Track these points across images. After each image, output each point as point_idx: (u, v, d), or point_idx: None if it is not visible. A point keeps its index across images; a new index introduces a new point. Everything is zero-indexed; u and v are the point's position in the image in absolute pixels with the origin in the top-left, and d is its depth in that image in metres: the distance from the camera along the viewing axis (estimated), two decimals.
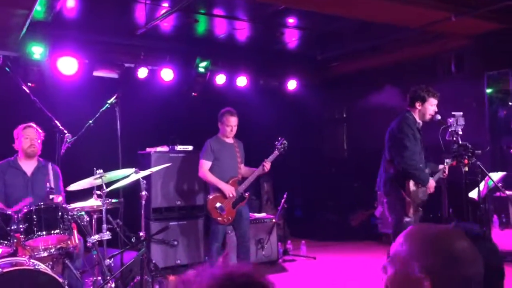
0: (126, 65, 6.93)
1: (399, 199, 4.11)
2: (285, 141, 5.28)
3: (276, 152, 5.25)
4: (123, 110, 4.66)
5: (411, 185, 4.11)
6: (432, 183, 4.20)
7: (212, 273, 0.90)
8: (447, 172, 4.36)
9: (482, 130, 6.29)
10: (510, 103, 6.30)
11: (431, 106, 4.26)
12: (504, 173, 5.05)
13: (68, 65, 6.30)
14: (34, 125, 4.29)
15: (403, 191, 4.08)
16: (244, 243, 5.27)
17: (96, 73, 6.72)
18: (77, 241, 3.61)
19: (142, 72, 6.93)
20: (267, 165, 5.21)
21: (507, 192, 5.35)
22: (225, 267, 0.92)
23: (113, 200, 3.94)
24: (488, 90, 6.41)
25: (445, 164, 4.36)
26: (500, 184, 4.86)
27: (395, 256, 1.28)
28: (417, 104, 4.27)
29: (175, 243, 5.71)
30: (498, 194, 5.58)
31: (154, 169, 4.40)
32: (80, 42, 6.40)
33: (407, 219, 4.07)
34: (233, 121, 5.20)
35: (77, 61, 6.37)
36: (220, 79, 7.57)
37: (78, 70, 6.39)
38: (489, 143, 5.86)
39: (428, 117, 4.28)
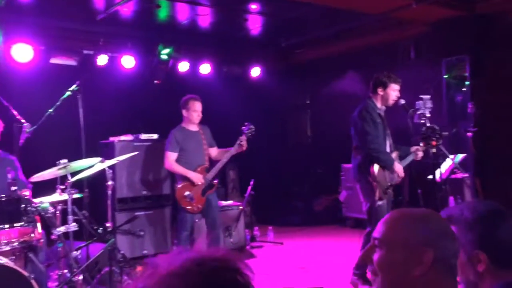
0: (85, 52, 6.68)
1: (368, 184, 4.19)
2: (252, 126, 5.26)
3: (243, 137, 5.23)
4: (84, 98, 4.52)
5: (376, 169, 4.20)
6: (399, 166, 4.28)
7: (183, 257, 0.86)
8: (421, 154, 4.39)
9: (440, 114, 6.50)
10: (465, 89, 6.53)
11: (393, 91, 4.36)
12: (464, 155, 5.25)
13: (23, 52, 6.00)
14: None
15: (369, 175, 4.17)
16: (215, 230, 5.25)
17: (53, 60, 6.44)
18: (41, 233, 3.48)
19: (102, 59, 6.71)
20: (244, 142, 5.14)
21: (463, 174, 5.58)
22: (197, 252, 0.88)
23: (77, 195, 3.82)
24: (446, 76, 6.61)
25: (420, 146, 4.39)
26: (458, 166, 5.05)
27: (386, 238, 1.29)
28: (379, 90, 4.36)
29: (142, 233, 5.59)
30: (454, 176, 5.79)
31: (120, 158, 4.30)
32: (35, 28, 6.12)
33: (379, 203, 4.15)
34: (198, 106, 5.15)
35: (33, 47, 6.08)
36: (183, 66, 7.45)
37: (34, 57, 6.10)
38: (448, 126, 6.06)
39: (390, 102, 4.37)
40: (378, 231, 1.32)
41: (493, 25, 6.21)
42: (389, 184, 4.26)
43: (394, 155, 4.38)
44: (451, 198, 6.26)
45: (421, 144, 4.15)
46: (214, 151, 5.36)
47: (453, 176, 5.73)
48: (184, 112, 5.17)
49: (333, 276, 4.87)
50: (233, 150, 5.18)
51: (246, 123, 5.31)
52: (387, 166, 4.23)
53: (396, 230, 1.30)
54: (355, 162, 4.37)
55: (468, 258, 1.45)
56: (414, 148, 4.40)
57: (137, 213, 5.33)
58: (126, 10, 6.34)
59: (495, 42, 6.28)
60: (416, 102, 3.93)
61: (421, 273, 1.23)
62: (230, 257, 0.88)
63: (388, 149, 4.38)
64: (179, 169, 5.11)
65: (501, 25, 6.15)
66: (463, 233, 1.45)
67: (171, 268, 0.84)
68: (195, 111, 5.12)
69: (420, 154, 4.39)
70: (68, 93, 4.33)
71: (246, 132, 5.24)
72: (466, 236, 1.45)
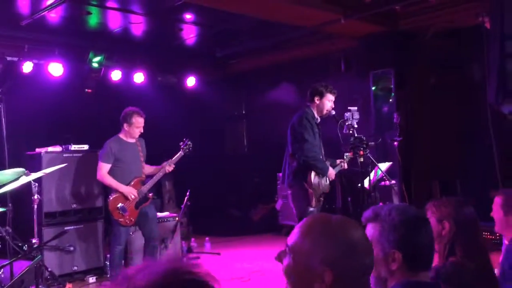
0: (9, 58, 6.32)
1: (302, 190, 4.30)
2: (190, 142, 5.23)
3: (181, 153, 5.19)
4: (8, 107, 4.27)
5: (313, 176, 4.32)
6: (332, 171, 4.47)
7: (156, 270, 0.85)
8: (346, 165, 4.65)
9: (368, 124, 6.82)
10: (391, 100, 6.91)
11: (328, 101, 4.53)
12: (390, 163, 5.54)
13: None
14: None
15: (305, 182, 4.28)
16: (152, 242, 5.12)
17: None
18: None
19: (27, 67, 6.39)
20: (169, 167, 5.11)
21: (391, 182, 5.88)
22: (168, 263, 0.88)
23: (0, 210, 3.59)
24: (373, 88, 6.97)
25: (344, 157, 4.65)
26: (385, 174, 5.32)
27: (295, 247, 1.29)
28: (316, 99, 4.52)
29: (71, 248, 5.36)
30: (383, 183, 6.09)
31: (47, 171, 4.08)
32: None
33: (310, 209, 4.28)
34: (142, 122, 5.03)
35: None
36: (116, 75, 7.25)
37: None
38: (376, 136, 6.37)
39: (325, 112, 4.54)
40: (290, 237, 1.32)
41: (414, 40, 6.65)
42: (322, 192, 4.41)
43: (327, 163, 4.55)
44: (380, 204, 6.57)
45: (348, 154, 4.37)
46: (145, 167, 5.25)
47: (382, 183, 6.03)
48: (125, 125, 5.01)
49: (271, 285, 4.93)
50: (160, 173, 5.12)
51: (184, 139, 5.27)
52: (322, 173, 4.37)
53: (304, 241, 1.28)
54: (290, 168, 4.47)
55: (383, 256, 1.53)
56: (339, 160, 4.64)
57: (67, 228, 5.07)
58: (54, 16, 6.09)
59: (417, 56, 6.72)
60: (345, 114, 4.11)
61: None
62: (201, 269, 0.89)
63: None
64: (111, 182, 4.95)
65: (421, 40, 6.60)
66: (385, 232, 1.54)
67: (150, 280, 0.82)
68: (138, 127, 5.00)
69: (345, 165, 4.65)
70: None
71: (184, 147, 5.21)
72: (388, 235, 1.53)
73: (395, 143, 6.03)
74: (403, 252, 1.51)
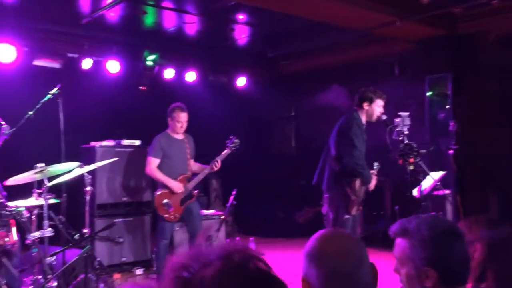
0: (69, 55, 6.62)
1: (343, 196, 4.19)
2: (236, 140, 5.26)
3: (227, 151, 5.22)
4: (67, 102, 4.45)
5: (358, 183, 4.20)
6: (373, 180, 4.34)
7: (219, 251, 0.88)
8: (374, 182, 4.48)
9: (422, 131, 6.59)
10: (448, 106, 6.63)
11: (378, 107, 4.39)
12: (444, 172, 5.31)
13: (6, 52, 5.93)
14: None
15: (348, 188, 4.17)
16: (196, 239, 5.20)
17: (36, 62, 6.36)
18: (15, 238, 3.39)
19: (87, 63, 6.65)
20: (217, 164, 5.16)
21: (445, 191, 5.63)
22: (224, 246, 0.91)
23: (54, 200, 3.75)
24: (429, 93, 6.71)
25: (374, 167, 4.50)
26: (439, 183, 5.10)
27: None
28: (365, 105, 4.39)
29: (121, 240, 5.52)
30: (436, 193, 5.86)
31: (99, 164, 4.24)
32: (19, 29, 6.04)
33: (347, 216, 4.17)
34: (183, 117, 5.10)
35: (16, 48, 6.01)
36: (169, 73, 7.42)
37: (17, 58, 6.03)
38: (429, 143, 6.14)
39: (374, 117, 4.41)
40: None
41: (474, 44, 6.34)
42: (362, 199, 4.30)
43: None
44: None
45: (399, 161, 4.20)
46: (192, 164, 5.33)
47: (435, 192, 5.80)
48: (169, 120, 5.13)
49: None
50: (206, 170, 5.17)
51: (231, 137, 5.29)
52: (367, 181, 4.25)
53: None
54: (331, 172, 4.35)
55: (416, 273, 1.47)
56: (371, 171, 4.47)
57: (116, 220, 5.25)
58: (113, 15, 6.32)
59: (476, 60, 6.41)
60: (395, 119, 3.98)
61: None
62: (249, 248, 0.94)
63: None
64: (160, 176, 5.06)
65: (481, 44, 6.29)
66: (416, 249, 1.47)
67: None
68: (179, 121, 5.08)
69: (374, 181, 4.44)
70: (48, 96, 4.26)
71: (230, 145, 5.23)
72: (419, 252, 1.46)
73: (451, 151, 5.78)
74: (437, 269, 1.44)
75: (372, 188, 4.43)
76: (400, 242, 1.52)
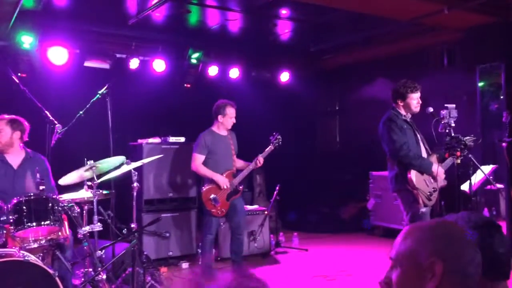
0: (118, 55, 6.85)
1: (408, 193, 4.08)
2: (279, 136, 5.28)
3: (271, 147, 5.25)
4: (115, 101, 4.62)
5: (413, 175, 4.06)
6: (438, 169, 4.11)
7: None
8: (459, 161, 4.21)
9: (473, 123, 6.32)
10: (501, 97, 6.32)
11: (413, 100, 4.25)
12: (495, 165, 5.08)
13: (58, 55, 6.23)
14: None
15: (407, 184, 4.05)
16: (238, 235, 5.25)
17: (87, 64, 6.64)
18: (67, 232, 3.57)
19: (134, 63, 6.87)
20: (260, 160, 5.20)
21: (498, 185, 5.39)
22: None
23: (104, 192, 3.92)
24: (480, 84, 6.42)
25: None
26: (491, 177, 4.88)
27: (398, 255, 1.27)
28: (399, 101, 4.28)
29: (167, 234, 5.70)
30: (489, 187, 5.61)
31: (145, 160, 4.37)
32: (70, 31, 6.32)
33: (422, 210, 4.03)
34: (234, 112, 5.19)
35: (68, 51, 6.29)
36: (213, 70, 7.52)
37: (68, 60, 6.32)
38: (480, 136, 5.87)
39: (414, 110, 4.27)
40: (392, 251, 1.30)
41: None
42: (433, 189, 4.11)
43: (433, 158, 4.22)
44: (485, 210, 6.06)
45: (445, 155, 4.00)
46: (236, 160, 5.38)
47: (488, 187, 5.56)
48: (219, 117, 5.18)
49: (357, 286, 4.80)
50: (250, 167, 5.23)
51: (274, 133, 5.31)
52: (424, 170, 4.08)
53: (406, 244, 1.27)
54: (392, 173, 4.25)
55: None
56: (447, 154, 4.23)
57: (163, 215, 5.40)
58: (158, 15, 6.47)
59: None
60: (441, 112, 3.82)
61: (434, 286, 1.19)
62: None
63: (424, 153, 4.25)
64: (206, 171, 5.15)
65: None
66: None
67: None
68: (231, 117, 5.17)
69: (458, 160, 4.18)
70: (97, 95, 4.44)
71: (274, 141, 5.26)
72: None
73: (504, 144, 5.51)
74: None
75: (442, 176, 4.18)
76: None
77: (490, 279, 1.42)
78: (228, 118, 5.15)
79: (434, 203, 4.23)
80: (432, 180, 4.13)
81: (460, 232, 1.26)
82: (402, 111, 4.27)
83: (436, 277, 1.19)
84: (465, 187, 4.37)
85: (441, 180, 4.20)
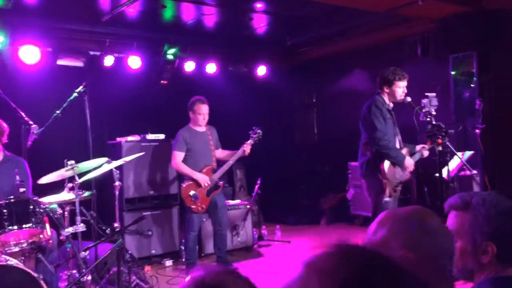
0: (92, 53, 6.72)
1: (376, 181, 4.16)
2: (259, 131, 5.28)
3: (250, 141, 5.24)
4: (91, 99, 4.54)
5: (386, 165, 4.15)
6: (409, 161, 4.25)
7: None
8: (427, 153, 4.37)
9: (448, 111, 6.46)
10: (473, 85, 6.48)
11: (399, 88, 4.33)
12: (472, 152, 5.21)
13: (30, 54, 6.05)
14: None
15: (379, 172, 4.13)
16: (221, 231, 5.26)
17: (60, 62, 6.49)
18: (49, 234, 3.50)
19: (109, 60, 6.74)
20: (247, 148, 5.18)
21: (472, 171, 5.53)
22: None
23: (86, 193, 3.85)
24: (453, 72, 6.56)
25: (426, 144, 4.38)
26: (466, 164, 5.02)
27: (372, 245, 1.28)
28: (385, 87, 4.34)
29: (150, 233, 5.65)
30: (463, 173, 5.75)
31: (127, 159, 4.32)
32: (42, 29, 6.16)
33: (386, 199, 4.13)
34: (204, 109, 5.16)
35: (40, 49, 6.13)
36: (189, 66, 7.46)
37: (41, 59, 6.15)
38: (456, 124, 6.02)
39: (398, 98, 4.35)
40: (366, 238, 1.31)
41: (500, 21, 6.14)
42: (399, 181, 4.23)
43: (404, 151, 4.33)
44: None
45: (427, 143, 4.12)
46: (218, 152, 5.37)
47: (462, 173, 5.70)
48: (190, 113, 5.20)
49: None
50: (236, 156, 5.21)
51: (254, 127, 5.31)
52: (397, 162, 4.18)
53: (379, 234, 1.28)
54: (363, 158, 4.33)
55: (473, 248, 1.45)
56: (419, 146, 4.37)
57: (144, 213, 5.35)
58: (132, 11, 6.36)
59: (503, 38, 6.22)
60: (422, 100, 3.90)
61: None
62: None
63: (398, 146, 4.35)
64: (185, 169, 5.13)
65: (508, 21, 6.09)
66: (479, 223, 1.45)
67: None
68: (200, 114, 5.14)
69: (426, 152, 4.37)
70: (74, 94, 4.35)
71: (254, 136, 5.25)
72: (482, 226, 1.44)
73: (477, 131, 5.66)
74: (497, 245, 1.42)
75: (411, 169, 4.31)
76: (457, 215, 1.50)
77: (505, 263, 1.44)
78: (197, 115, 5.13)
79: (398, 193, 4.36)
80: (400, 173, 4.24)
81: (434, 224, 1.26)
82: (386, 99, 4.33)
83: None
84: (443, 173, 4.48)
85: (409, 173, 4.32)
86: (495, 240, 1.43)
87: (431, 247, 1.22)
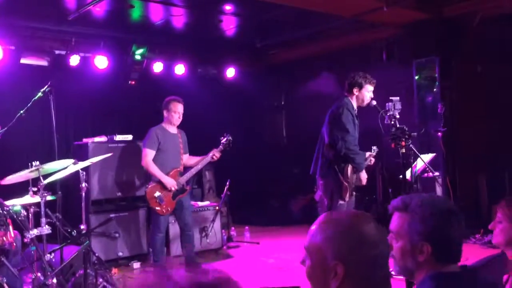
0: (57, 52, 6.57)
1: (336, 182, 4.25)
2: (230, 138, 5.28)
3: (220, 147, 5.25)
4: (57, 99, 4.43)
5: (349, 169, 4.26)
6: (364, 175, 4.42)
7: None
8: (373, 160, 4.55)
9: (411, 114, 6.66)
10: (435, 89, 6.70)
11: (368, 92, 4.45)
12: (434, 154, 5.39)
13: None
14: None
15: (341, 175, 4.23)
16: (187, 232, 5.25)
17: (23, 61, 6.31)
18: (13, 236, 3.40)
19: (74, 60, 6.61)
20: (216, 154, 5.19)
21: (435, 173, 5.73)
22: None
23: (50, 197, 3.76)
24: (417, 77, 6.78)
25: (372, 151, 4.55)
26: (428, 166, 5.19)
27: (311, 246, 1.32)
28: (355, 90, 4.44)
29: (117, 235, 5.56)
30: (426, 175, 5.95)
31: (94, 160, 4.25)
32: (4, 27, 5.98)
33: (341, 202, 4.24)
34: (180, 108, 5.15)
35: (2, 47, 5.95)
36: (158, 67, 7.40)
37: (3, 57, 5.97)
38: (419, 127, 6.21)
39: (365, 103, 4.47)
40: (306, 238, 1.34)
41: (460, 27, 6.40)
42: (355, 185, 4.36)
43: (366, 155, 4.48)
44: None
45: (374, 148, 4.30)
46: (185, 157, 5.36)
47: (424, 175, 5.89)
48: (165, 112, 5.16)
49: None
50: (206, 159, 5.20)
51: (224, 134, 5.32)
52: (359, 169, 4.31)
53: (317, 239, 1.30)
54: (325, 159, 4.41)
55: (411, 247, 1.51)
56: (367, 154, 4.50)
57: (111, 215, 5.26)
58: (99, 10, 6.26)
59: (463, 44, 6.48)
60: (386, 104, 4.03)
61: (336, 286, 1.25)
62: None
63: None
64: (155, 170, 5.08)
65: (467, 27, 6.35)
66: (415, 223, 1.51)
67: None
68: (176, 112, 5.12)
69: (373, 160, 4.53)
70: (39, 94, 4.23)
71: (224, 143, 5.25)
72: (418, 226, 1.51)
73: (439, 134, 5.86)
74: (432, 244, 1.49)
75: (364, 183, 4.48)
76: (399, 217, 1.56)
77: (441, 262, 1.50)
78: (172, 113, 5.11)
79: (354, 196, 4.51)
80: (357, 178, 4.38)
81: (369, 234, 1.27)
82: (354, 103, 4.44)
83: (338, 278, 1.25)
84: (407, 175, 4.63)
85: (364, 179, 4.47)
86: (430, 240, 1.49)
87: (360, 261, 1.25)
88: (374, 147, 4.52)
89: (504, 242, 2.11)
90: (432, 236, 1.49)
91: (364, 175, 4.42)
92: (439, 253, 1.49)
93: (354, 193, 4.43)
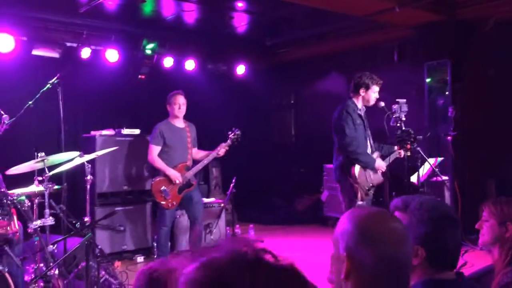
0: (68, 44, 6.61)
1: (348, 185, 4.23)
2: (239, 132, 5.25)
3: (228, 142, 5.24)
4: (66, 91, 4.46)
5: (357, 170, 4.23)
6: (379, 163, 4.33)
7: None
8: (402, 153, 4.43)
9: (421, 117, 6.59)
10: (447, 93, 6.63)
11: (374, 93, 4.41)
12: (442, 158, 5.34)
13: (4, 42, 5.92)
14: None
15: (350, 177, 4.20)
16: (196, 226, 5.25)
17: (35, 52, 6.36)
18: (17, 227, 3.43)
19: (85, 52, 6.64)
20: (222, 150, 5.19)
21: (443, 177, 5.67)
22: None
23: (56, 187, 3.79)
24: (428, 80, 6.70)
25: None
26: (437, 169, 5.14)
27: (334, 238, 1.33)
28: (361, 91, 4.41)
29: (122, 228, 5.59)
30: (434, 179, 5.89)
31: (99, 153, 4.27)
32: (17, 18, 6.03)
33: (359, 203, 4.20)
34: (180, 99, 5.14)
35: (14, 38, 6.00)
36: (168, 62, 7.41)
37: (15, 48, 6.02)
38: (428, 130, 6.15)
39: (371, 103, 4.43)
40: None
41: (473, 30, 6.32)
42: (371, 185, 4.30)
43: (375, 155, 4.42)
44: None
45: (396, 148, 4.20)
46: (193, 152, 5.36)
47: (433, 178, 5.83)
48: (168, 107, 5.19)
49: (312, 275, 4.91)
50: (211, 156, 5.20)
51: (233, 128, 5.29)
52: (367, 166, 4.26)
53: (337, 230, 1.32)
54: (336, 162, 4.41)
55: None
56: (397, 147, 4.43)
57: (117, 208, 5.28)
58: (111, 3, 6.29)
59: (476, 47, 6.39)
60: (392, 106, 3.99)
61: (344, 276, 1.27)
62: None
63: (369, 150, 4.43)
64: (160, 164, 5.11)
65: (481, 30, 6.26)
66: (412, 226, 1.49)
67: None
68: (176, 103, 5.12)
69: (403, 152, 4.42)
70: (48, 85, 4.27)
71: (232, 137, 5.23)
72: (414, 229, 1.48)
73: (449, 137, 5.80)
74: (427, 249, 1.46)
75: (383, 170, 4.39)
76: (399, 216, 1.54)
77: (436, 267, 1.48)
78: (173, 105, 5.12)
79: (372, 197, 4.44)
80: (371, 176, 4.32)
81: (381, 233, 1.23)
82: (359, 103, 4.40)
83: (347, 270, 1.25)
84: (413, 178, 4.59)
85: (380, 176, 4.41)
86: (425, 244, 1.47)
87: (363, 258, 1.22)
88: (396, 147, 4.31)
89: (490, 241, 2.08)
90: (427, 240, 1.47)
91: (379, 164, 4.27)
92: (433, 258, 1.47)
93: (370, 192, 4.36)
